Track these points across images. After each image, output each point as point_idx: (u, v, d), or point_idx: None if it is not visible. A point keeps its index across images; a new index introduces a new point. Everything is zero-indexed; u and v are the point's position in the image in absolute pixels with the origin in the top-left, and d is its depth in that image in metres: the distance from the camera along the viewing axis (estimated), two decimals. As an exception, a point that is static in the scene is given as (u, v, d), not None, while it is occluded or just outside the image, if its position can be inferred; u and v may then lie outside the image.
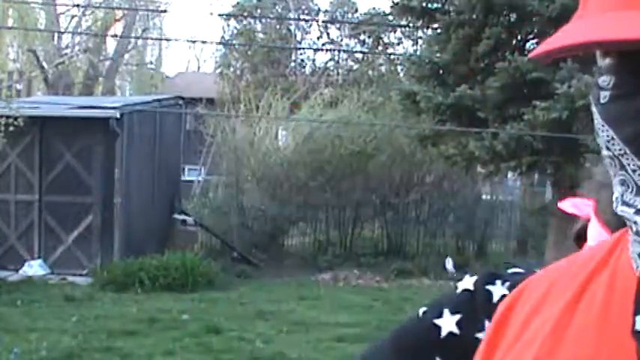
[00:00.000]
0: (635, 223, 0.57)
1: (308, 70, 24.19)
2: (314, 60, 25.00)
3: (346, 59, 24.71)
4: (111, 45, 23.52)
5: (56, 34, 21.30)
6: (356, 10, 24.64)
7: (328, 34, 25.19)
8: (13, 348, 6.12)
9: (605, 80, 0.57)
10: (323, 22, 24.80)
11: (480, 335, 0.78)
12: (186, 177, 16.29)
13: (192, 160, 17.03)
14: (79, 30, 22.18)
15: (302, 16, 24.72)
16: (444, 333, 0.83)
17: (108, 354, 6.33)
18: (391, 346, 0.90)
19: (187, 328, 7.39)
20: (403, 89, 11.21)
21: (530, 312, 0.70)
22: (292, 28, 24.89)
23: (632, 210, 0.57)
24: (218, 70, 24.36)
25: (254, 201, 13.12)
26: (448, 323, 0.83)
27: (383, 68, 23.30)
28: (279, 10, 24.52)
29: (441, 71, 10.42)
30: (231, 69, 23.48)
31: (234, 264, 11.65)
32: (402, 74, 20.57)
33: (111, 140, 10.43)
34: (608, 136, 0.58)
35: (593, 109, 0.60)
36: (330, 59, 24.66)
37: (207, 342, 6.81)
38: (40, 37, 20.45)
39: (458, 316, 0.82)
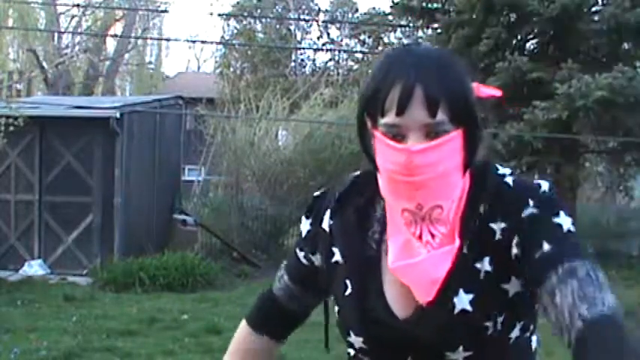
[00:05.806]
0: None
1: (308, 70, 24.19)
2: (314, 60, 25.02)
3: (346, 59, 24.72)
4: (111, 45, 23.56)
5: (56, 34, 21.32)
6: (356, 10, 24.65)
7: (328, 34, 25.21)
8: (13, 348, 6.11)
9: None
10: (323, 22, 24.81)
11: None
12: (186, 177, 16.27)
13: (192, 160, 17.02)
14: (79, 30, 22.20)
15: (302, 16, 24.73)
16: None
17: (108, 354, 6.32)
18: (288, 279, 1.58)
19: (187, 328, 7.38)
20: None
21: None
22: (292, 28, 24.89)
23: None
24: (218, 70, 24.37)
25: (254, 201, 13.10)
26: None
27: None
28: (279, 10, 24.53)
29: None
30: (231, 69, 23.48)
31: (234, 264, 11.63)
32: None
33: (111, 140, 10.43)
34: None
35: None
36: (330, 59, 24.68)
37: (207, 342, 6.80)
38: (40, 37, 20.47)
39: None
